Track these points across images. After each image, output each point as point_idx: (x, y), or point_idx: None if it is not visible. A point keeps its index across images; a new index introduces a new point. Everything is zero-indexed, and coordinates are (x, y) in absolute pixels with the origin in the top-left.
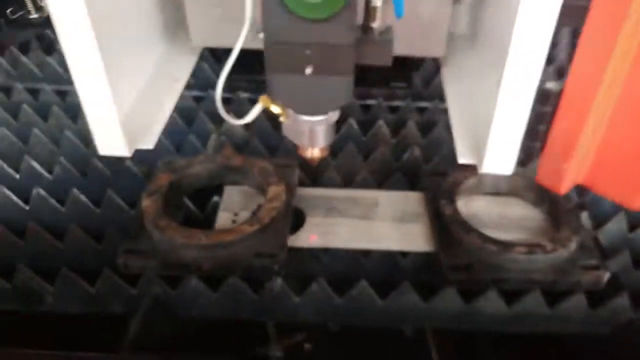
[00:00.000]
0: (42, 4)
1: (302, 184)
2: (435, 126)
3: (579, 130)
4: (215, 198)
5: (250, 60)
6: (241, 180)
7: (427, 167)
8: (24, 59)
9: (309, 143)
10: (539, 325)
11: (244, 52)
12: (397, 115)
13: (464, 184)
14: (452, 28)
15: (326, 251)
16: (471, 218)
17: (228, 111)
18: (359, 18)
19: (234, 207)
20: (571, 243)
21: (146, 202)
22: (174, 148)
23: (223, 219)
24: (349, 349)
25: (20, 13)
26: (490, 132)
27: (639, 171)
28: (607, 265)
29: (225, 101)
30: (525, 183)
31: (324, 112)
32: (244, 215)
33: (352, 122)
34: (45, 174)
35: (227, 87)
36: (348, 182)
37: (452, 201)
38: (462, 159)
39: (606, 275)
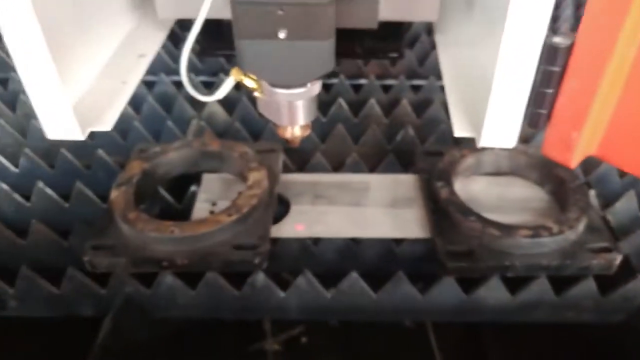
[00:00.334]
0: None
1: (288, 170)
2: (431, 104)
3: (592, 92)
4: (194, 187)
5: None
6: (220, 167)
7: (421, 147)
8: None
9: (288, 121)
10: (546, 314)
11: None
12: (390, 94)
13: (461, 164)
14: None
15: (314, 241)
16: (469, 200)
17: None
18: None
19: (212, 196)
20: (579, 224)
21: (115, 194)
22: (152, 136)
23: (201, 209)
24: (346, 340)
25: None
26: (490, 99)
27: None
28: (619, 247)
29: (207, 85)
30: (527, 161)
31: (303, 83)
32: (223, 204)
33: (342, 102)
34: (11, 167)
35: (209, 70)
36: (337, 166)
37: (448, 183)
38: (459, 132)
39: (618, 258)
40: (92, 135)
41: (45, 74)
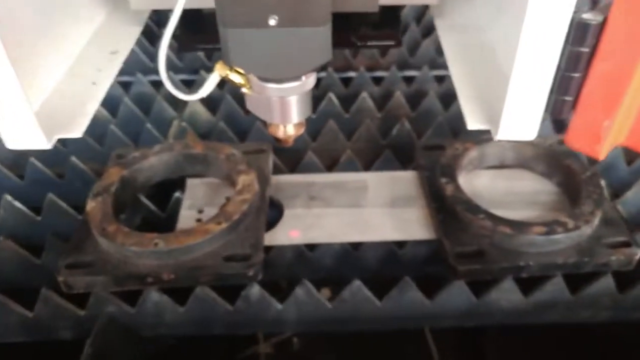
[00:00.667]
0: None
1: (278, 171)
2: (425, 96)
3: (628, 75)
4: (177, 194)
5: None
6: (205, 171)
7: (420, 141)
8: None
9: (280, 119)
10: (560, 315)
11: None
12: (381, 87)
13: (465, 158)
14: None
15: (310, 247)
16: (475, 196)
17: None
18: None
19: (198, 202)
20: (594, 218)
21: (91, 205)
22: (130, 140)
23: (186, 218)
24: (341, 343)
25: None
26: (508, 87)
27: None
28: (637, 241)
29: (188, 84)
30: (534, 152)
31: (296, 76)
32: (211, 212)
33: (332, 97)
34: None
35: (189, 67)
36: (331, 165)
37: (453, 179)
38: (472, 124)
39: (639, 253)
40: (65, 141)
41: (0, 75)
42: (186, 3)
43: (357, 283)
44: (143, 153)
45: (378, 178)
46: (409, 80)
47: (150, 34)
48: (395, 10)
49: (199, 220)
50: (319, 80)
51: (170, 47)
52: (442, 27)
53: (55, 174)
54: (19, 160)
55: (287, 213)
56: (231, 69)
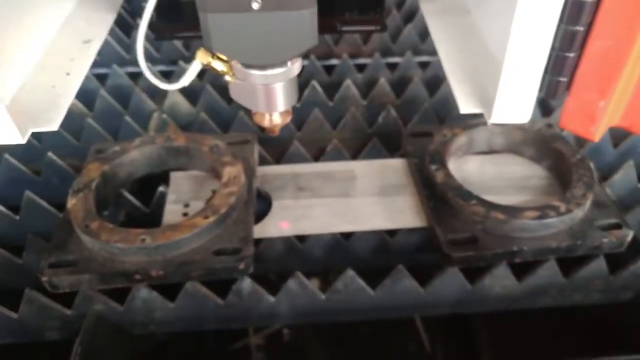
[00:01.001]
0: None
1: (263, 161)
2: (410, 82)
3: (625, 54)
4: (162, 188)
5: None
6: (189, 164)
7: (407, 129)
8: None
9: (266, 107)
10: (553, 299)
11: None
12: (365, 74)
13: (453, 144)
14: None
15: (300, 239)
16: (464, 182)
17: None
18: None
19: (183, 196)
20: (586, 201)
21: (72, 202)
22: (109, 134)
23: (172, 212)
24: (331, 331)
25: None
26: (502, 70)
27: None
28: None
29: (166, 75)
30: (523, 136)
31: (282, 61)
32: (197, 205)
33: (316, 85)
34: None
35: (167, 58)
36: (317, 155)
37: (443, 165)
38: (465, 108)
39: (630, 234)
40: (40, 137)
41: None
42: None
43: (350, 273)
44: (123, 147)
45: (366, 167)
46: (392, 66)
47: (125, 24)
48: None
49: (185, 214)
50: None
51: (147, 37)
52: (429, 11)
53: (32, 171)
54: None
55: (276, 204)
56: (213, 56)
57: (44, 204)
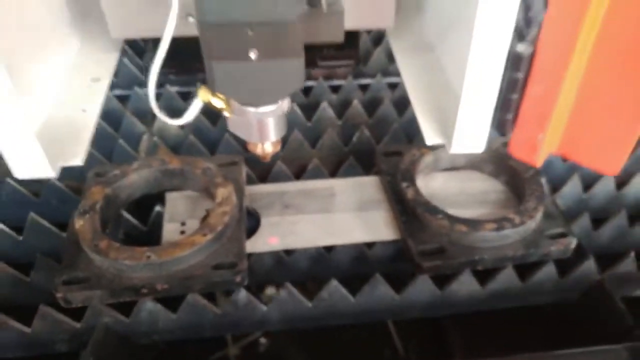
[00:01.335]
0: None
1: (250, 180)
2: (381, 103)
3: (554, 97)
4: (158, 208)
5: (176, 49)
6: (183, 185)
7: (380, 148)
8: None
9: (259, 138)
10: (512, 300)
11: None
12: (340, 95)
13: (421, 163)
14: None
15: (287, 252)
16: (432, 197)
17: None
18: None
19: (179, 216)
20: (537, 213)
21: (80, 223)
22: (103, 156)
23: (170, 231)
24: (307, 338)
25: None
26: (459, 109)
27: (615, 136)
28: (572, 231)
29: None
30: (482, 155)
31: (274, 101)
32: (192, 223)
33: (295, 107)
34: None
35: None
36: (299, 173)
37: (412, 183)
38: (430, 140)
39: (574, 242)
40: None
41: (5, 101)
42: (163, 32)
43: (334, 283)
44: (123, 170)
45: (344, 184)
46: (364, 87)
47: None
48: (354, 32)
49: (182, 232)
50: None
51: (133, 61)
52: (396, 47)
53: (31, 193)
54: None
55: (264, 221)
56: (213, 94)
57: (47, 224)
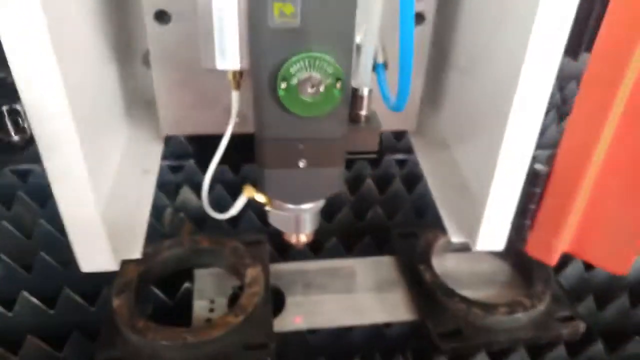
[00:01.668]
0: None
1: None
2: (392, 181)
3: (568, 209)
4: (187, 284)
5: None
6: (212, 262)
7: (394, 225)
8: None
9: (295, 230)
10: None
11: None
12: (353, 172)
13: (435, 245)
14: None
15: (311, 331)
16: (445, 277)
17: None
18: None
19: (208, 293)
20: (546, 296)
21: (117, 302)
22: None
23: (200, 308)
24: None
25: None
26: (484, 214)
27: (622, 237)
28: (580, 314)
29: (174, 169)
30: None
31: (314, 201)
32: (220, 302)
33: None
34: None
35: (174, 154)
36: (316, 249)
37: (429, 265)
38: (455, 238)
39: (582, 326)
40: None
41: (83, 200)
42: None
43: None
44: (155, 249)
45: (363, 264)
46: (374, 162)
47: None
48: None
49: (211, 310)
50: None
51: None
52: (417, 144)
53: (60, 265)
54: (23, 252)
55: (289, 300)
56: (257, 191)
57: (78, 298)
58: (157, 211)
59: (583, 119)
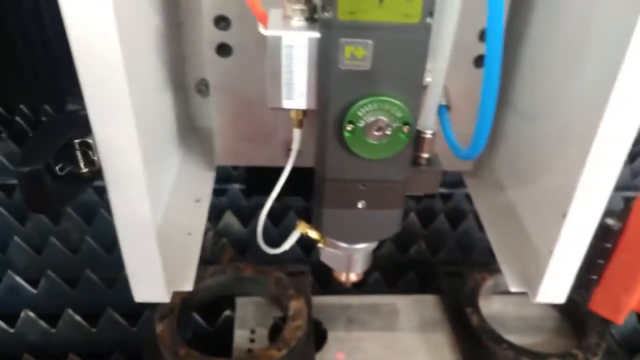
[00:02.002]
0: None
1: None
2: (436, 217)
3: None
4: (227, 312)
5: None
6: (254, 291)
7: (438, 262)
8: None
9: (346, 269)
10: None
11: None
12: None
13: (482, 287)
14: None
15: None
16: (490, 321)
17: None
18: None
19: (249, 322)
20: (600, 350)
21: (160, 327)
22: None
23: (241, 337)
24: None
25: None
26: (548, 266)
27: None
28: None
29: (218, 192)
30: None
31: (370, 242)
32: (261, 332)
33: None
34: (29, 287)
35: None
36: (358, 282)
37: (476, 308)
38: (513, 287)
39: None
40: (112, 250)
41: (142, 222)
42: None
43: None
44: (199, 275)
45: (406, 301)
46: (417, 198)
47: None
48: None
49: (252, 340)
50: None
51: None
52: (473, 186)
53: (104, 282)
54: (68, 269)
55: (331, 335)
56: (310, 228)
57: (120, 318)
58: None
59: None
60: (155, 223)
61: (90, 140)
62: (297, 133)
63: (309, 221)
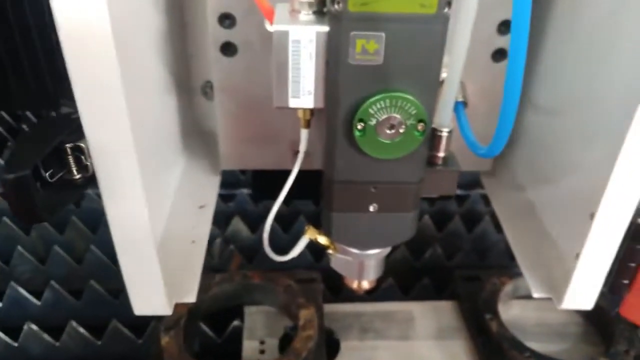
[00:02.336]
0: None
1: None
2: (451, 219)
3: None
4: (236, 322)
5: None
6: (263, 300)
7: (454, 267)
8: None
9: (358, 276)
10: None
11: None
12: None
13: (501, 292)
14: None
15: None
16: (510, 327)
17: None
18: None
19: (258, 333)
20: (629, 357)
21: (166, 339)
22: None
23: (250, 348)
24: None
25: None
26: (575, 270)
27: None
28: None
29: (225, 198)
30: None
31: (382, 247)
32: (271, 343)
33: None
34: (33, 300)
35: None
36: (371, 289)
37: (496, 314)
38: (537, 293)
39: None
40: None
41: (139, 231)
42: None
43: None
44: (205, 285)
45: (421, 308)
46: (431, 200)
47: None
48: None
49: (262, 351)
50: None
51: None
52: (490, 186)
53: (109, 292)
54: (71, 279)
55: (344, 345)
56: (319, 233)
57: (126, 331)
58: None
59: None
60: (156, 231)
61: (83, 145)
62: (304, 134)
63: (319, 226)
